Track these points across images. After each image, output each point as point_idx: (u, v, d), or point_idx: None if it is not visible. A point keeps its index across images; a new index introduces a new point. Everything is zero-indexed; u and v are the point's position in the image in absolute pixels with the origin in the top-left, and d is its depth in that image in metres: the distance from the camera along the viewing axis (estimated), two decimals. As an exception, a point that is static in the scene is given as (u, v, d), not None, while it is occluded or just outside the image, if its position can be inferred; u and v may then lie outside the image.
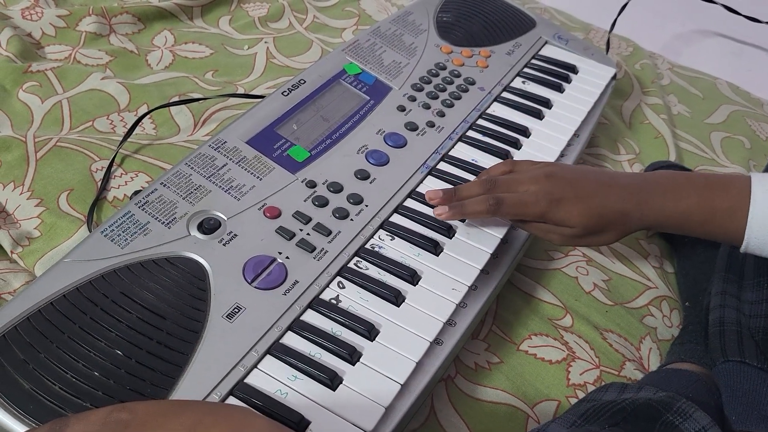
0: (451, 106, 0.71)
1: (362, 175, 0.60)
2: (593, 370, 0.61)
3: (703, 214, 0.53)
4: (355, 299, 0.51)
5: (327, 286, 0.51)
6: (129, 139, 0.70)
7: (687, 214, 0.53)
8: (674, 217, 0.53)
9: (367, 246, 0.55)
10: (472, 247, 0.56)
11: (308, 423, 0.43)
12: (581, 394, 0.58)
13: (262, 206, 0.55)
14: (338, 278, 0.52)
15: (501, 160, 0.66)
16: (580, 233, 0.54)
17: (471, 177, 0.63)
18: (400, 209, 0.59)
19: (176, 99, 0.77)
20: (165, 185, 0.54)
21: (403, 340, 0.49)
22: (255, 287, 0.49)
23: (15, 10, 0.85)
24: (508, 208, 0.54)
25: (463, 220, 0.58)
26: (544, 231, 0.56)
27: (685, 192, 0.53)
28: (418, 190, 0.61)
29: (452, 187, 0.57)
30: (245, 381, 0.44)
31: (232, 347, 0.45)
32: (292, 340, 0.47)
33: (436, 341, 0.50)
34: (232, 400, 0.43)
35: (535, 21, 0.88)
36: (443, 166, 0.64)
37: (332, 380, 0.45)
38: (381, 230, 0.56)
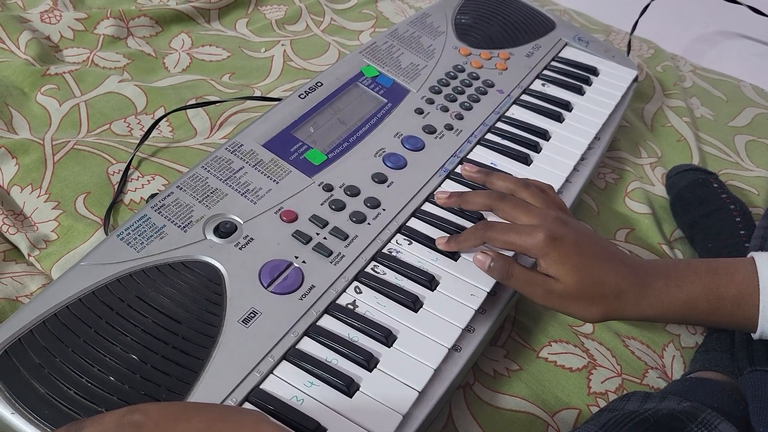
0: (469, 108, 0.70)
1: (379, 179, 0.59)
2: (615, 378, 0.60)
3: (709, 303, 0.49)
4: (372, 304, 0.50)
5: (344, 291, 0.51)
6: (146, 142, 0.70)
7: (691, 303, 0.49)
8: (676, 305, 0.49)
9: (385, 250, 0.54)
10: (491, 252, 0.55)
11: (324, 430, 0.42)
12: (602, 403, 0.57)
13: (279, 210, 0.54)
14: (355, 283, 0.51)
15: (519, 163, 0.65)
16: (568, 292, 0.49)
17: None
18: (417, 213, 0.58)
19: (193, 102, 0.77)
20: (181, 188, 0.53)
21: (421, 347, 0.48)
22: (271, 292, 0.48)
23: (34, 14, 0.86)
24: (497, 233, 0.51)
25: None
26: (528, 279, 0.50)
27: (687, 278, 0.49)
28: (436, 193, 0.60)
29: (467, 191, 0.56)
30: (261, 387, 0.44)
31: (247, 352, 0.45)
32: (309, 346, 0.47)
33: (455, 348, 0.50)
34: (247, 407, 0.43)
35: (555, 23, 0.87)
36: (462, 169, 0.63)
37: (349, 387, 0.44)
38: (398, 234, 0.56)
